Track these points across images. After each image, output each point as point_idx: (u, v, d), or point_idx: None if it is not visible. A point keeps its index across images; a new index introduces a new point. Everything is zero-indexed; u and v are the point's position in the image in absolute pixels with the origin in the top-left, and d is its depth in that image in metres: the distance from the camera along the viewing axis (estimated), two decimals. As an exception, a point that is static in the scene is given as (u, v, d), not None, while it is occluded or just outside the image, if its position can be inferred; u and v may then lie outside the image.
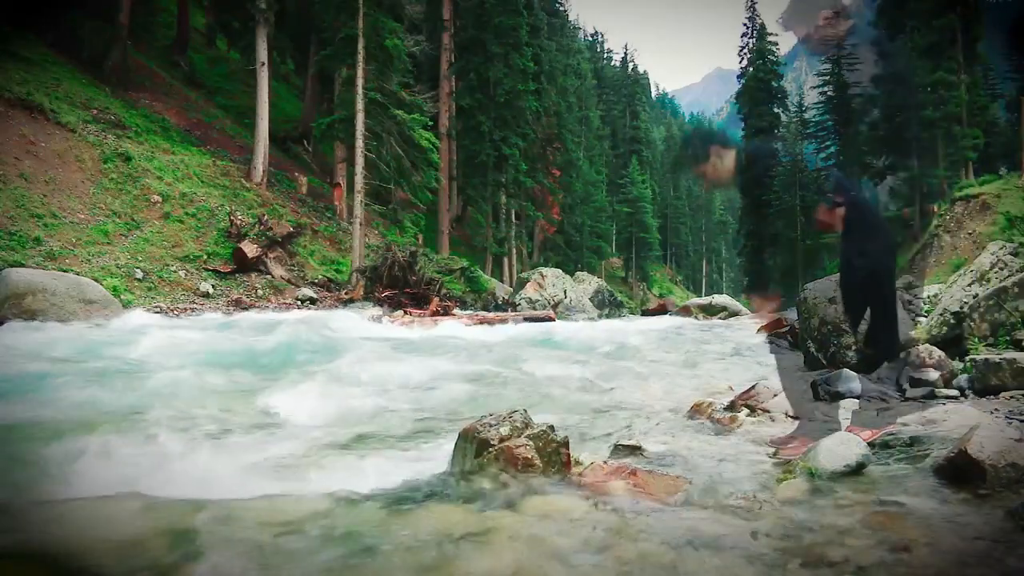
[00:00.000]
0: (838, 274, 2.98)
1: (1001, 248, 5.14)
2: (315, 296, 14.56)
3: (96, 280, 10.32)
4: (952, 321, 4.60)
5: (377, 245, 17.34)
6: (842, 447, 2.13)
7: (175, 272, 13.24)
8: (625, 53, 71.90)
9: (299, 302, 14.00)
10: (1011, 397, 3.16)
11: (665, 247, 66.99)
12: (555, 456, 2.12)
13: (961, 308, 4.59)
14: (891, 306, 2.82)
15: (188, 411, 3.44)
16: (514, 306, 18.53)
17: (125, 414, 3.38)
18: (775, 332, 7.72)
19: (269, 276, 14.76)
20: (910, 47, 33.19)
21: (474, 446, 2.12)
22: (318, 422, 3.45)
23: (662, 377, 5.26)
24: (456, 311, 14.40)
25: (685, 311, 22.19)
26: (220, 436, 3.01)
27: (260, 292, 14.11)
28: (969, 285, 4.88)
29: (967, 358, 3.84)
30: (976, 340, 4.28)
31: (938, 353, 3.94)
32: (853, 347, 4.35)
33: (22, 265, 10.06)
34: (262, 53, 18.88)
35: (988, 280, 4.80)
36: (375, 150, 16.91)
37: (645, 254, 56.37)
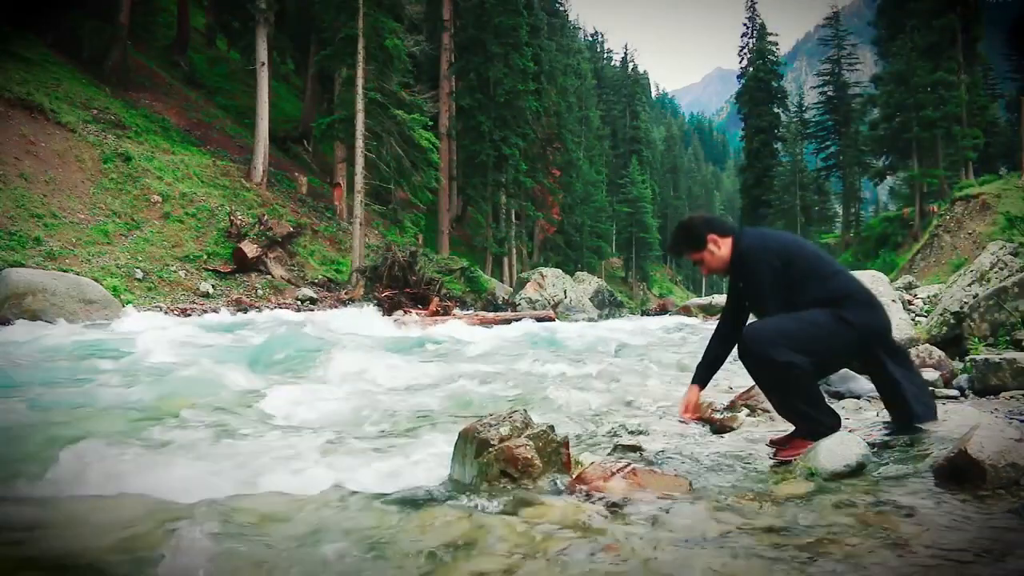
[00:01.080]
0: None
1: (1001, 248, 5.14)
2: (315, 296, 14.57)
3: (96, 280, 10.33)
4: (952, 321, 4.60)
5: (377, 245, 17.36)
6: (842, 447, 2.12)
7: (175, 272, 13.24)
8: (625, 53, 72.00)
9: (299, 302, 14.00)
10: (1011, 397, 3.16)
11: (665, 247, 67.03)
12: (555, 456, 2.11)
13: (961, 308, 4.59)
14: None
15: (187, 410, 3.44)
16: (514, 306, 18.54)
17: (124, 413, 3.38)
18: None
19: (269, 276, 14.77)
20: (910, 47, 33.15)
21: (474, 446, 2.12)
22: (317, 422, 3.45)
23: (662, 377, 5.26)
24: (456, 311, 14.41)
25: (685, 311, 22.24)
26: (219, 435, 3.01)
27: (260, 292, 14.12)
28: (969, 285, 4.88)
29: (967, 358, 3.83)
30: (976, 340, 4.28)
31: (938, 353, 3.94)
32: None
33: (22, 265, 10.07)
34: (262, 53, 18.90)
35: (988, 280, 4.80)
36: (375, 150, 16.93)
37: (645, 254, 56.43)
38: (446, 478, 2.18)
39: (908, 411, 2.40)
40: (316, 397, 4.02)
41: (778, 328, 2.30)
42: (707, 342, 2.69)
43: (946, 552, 1.45)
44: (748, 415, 3.32)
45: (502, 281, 26.77)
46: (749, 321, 2.54)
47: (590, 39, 79.98)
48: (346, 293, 15.17)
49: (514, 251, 32.65)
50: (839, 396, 3.56)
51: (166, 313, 10.78)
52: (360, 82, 16.46)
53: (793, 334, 2.26)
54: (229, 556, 1.49)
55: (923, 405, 2.42)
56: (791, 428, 2.54)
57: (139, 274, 12.45)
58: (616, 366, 6.10)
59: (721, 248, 2.49)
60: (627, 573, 1.42)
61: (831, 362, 2.41)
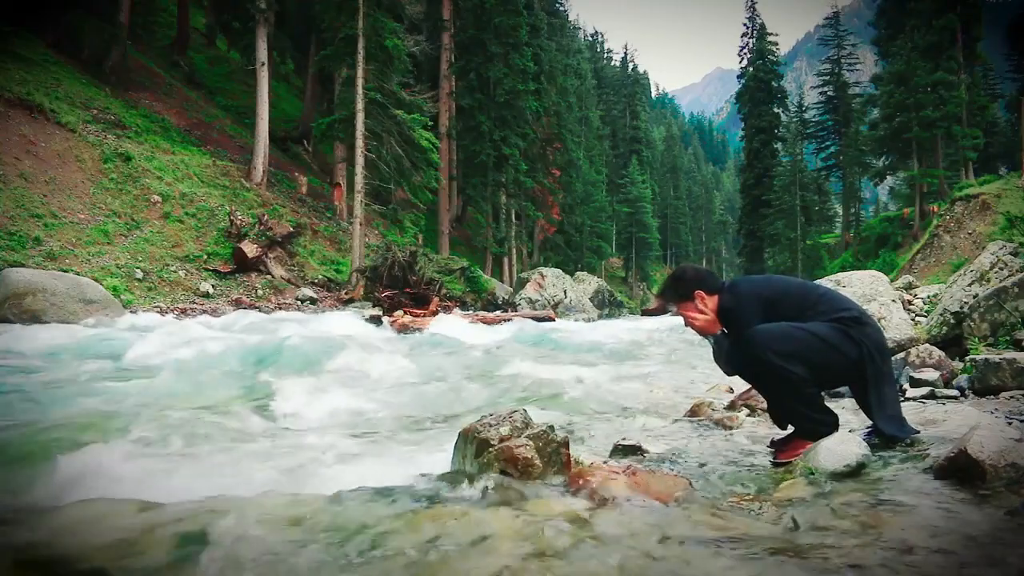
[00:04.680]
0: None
1: (1001, 248, 5.14)
2: (315, 296, 14.57)
3: (96, 280, 10.33)
4: (952, 321, 4.60)
5: (377, 245, 17.35)
6: (842, 447, 2.13)
7: (175, 272, 13.24)
8: (625, 53, 72.00)
9: (299, 302, 14.00)
10: (1011, 397, 3.16)
11: (665, 247, 67.06)
12: (555, 456, 2.11)
13: (961, 308, 4.58)
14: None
15: (188, 411, 3.44)
16: (514, 306, 18.55)
17: (125, 414, 3.38)
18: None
19: (269, 276, 14.77)
20: (910, 47, 33.13)
21: (474, 446, 2.12)
22: (316, 422, 3.45)
23: (662, 377, 5.26)
24: (456, 311, 14.41)
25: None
26: (220, 437, 3.01)
27: (260, 292, 14.11)
28: (969, 285, 4.88)
29: (967, 358, 3.83)
30: (976, 340, 4.28)
31: (938, 353, 3.94)
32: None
33: (22, 265, 10.07)
34: (262, 53, 18.90)
35: (988, 280, 4.80)
36: (375, 150, 16.92)
37: (645, 254, 56.41)
38: (446, 477, 2.18)
39: (878, 431, 2.42)
40: (315, 398, 4.02)
41: (784, 334, 2.30)
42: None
43: (946, 552, 1.45)
44: (748, 415, 3.32)
45: (502, 281, 26.75)
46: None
47: (590, 39, 79.93)
48: (346, 293, 15.17)
49: (514, 251, 32.62)
50: (839, 395, 3.57)
51: (166, 313, 10.78)
52: (360, 82, 16.45)
53: (798, 341, 2.28)
54: (233, 557, 1.49)
55: (892, 425, 2.41)
56: (791, 428, 2.54)
57: (139, 274, 12.45)
58: (615, 366, 6.10)
59: (707, 304, 2.50)
60: (627, 574, 1.42)
61: (829, 377, 2.41)
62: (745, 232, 52.54)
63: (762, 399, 3.32)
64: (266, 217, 15.96)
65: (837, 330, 2.32)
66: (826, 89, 49.56)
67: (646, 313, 27.18)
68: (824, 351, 2.29)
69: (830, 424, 2.36)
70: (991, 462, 1.79)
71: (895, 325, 4.59)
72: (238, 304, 12.80)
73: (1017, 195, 23.17)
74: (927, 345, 4.12)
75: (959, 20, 33.05)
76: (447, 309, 14.46)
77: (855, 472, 2.05)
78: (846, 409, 3.19)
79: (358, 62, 16.51)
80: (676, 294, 2.56)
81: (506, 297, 19.92)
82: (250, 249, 14.50)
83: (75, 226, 12.61)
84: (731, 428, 3.08)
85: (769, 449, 2.58)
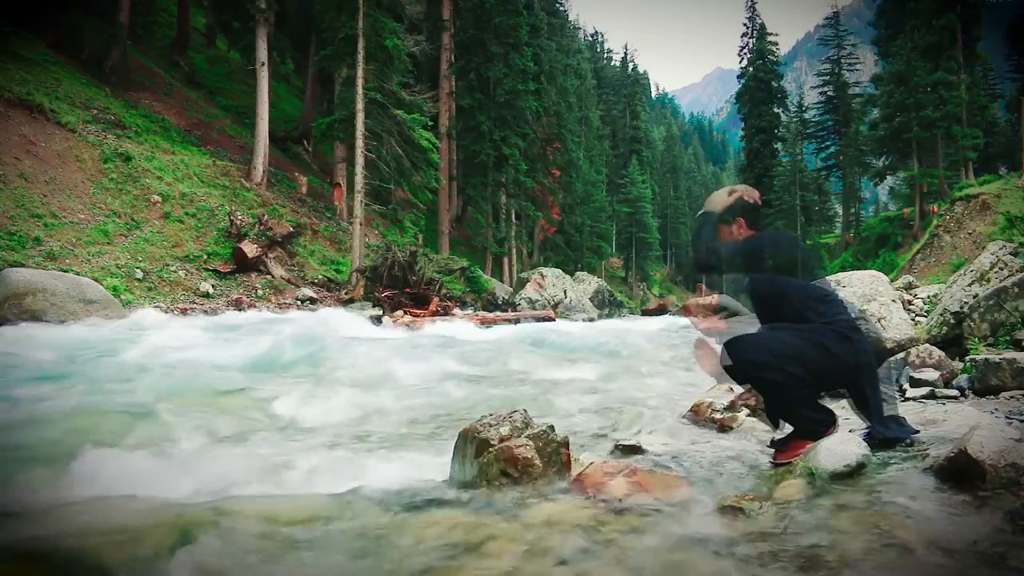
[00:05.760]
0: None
1: (1001, 248, 5.14)
2: (315, 296, 14.57)
3: (96, 280, 10.32)
4: (952, 321, 4.60)
5: (377, 245, 17.34)
6: (842, 447, 2.13)
7: (175, 272, 13.24)
8: (625, 53, 71.92)
9: (299, 302, 14.00)
10: (1011, 397, 3.16)
11: (665, 247, 66.99)
12: (555, 456, 2.12)
13: (961, 308, 4.58)
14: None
15: (187, 412, 3.44)
16: (514, 306, 18.54)
17: (125, 414, 3.38)
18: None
19: (269, 276, 14.76)
20: (910, 47, 33.12)
21: (474, 446, 2.12)
22: (316, 423, 3.45)
23: (662, 376, 5.26)
24: (456, 311, 14.41)
25: (685, 311, 22.17)
26: (219, 437, 3.01)
27: (260, 292, 14.11)
28: (969, 285, 4.88)
29: (967, 358, 3.83)
30: (976, 340, 4.28)
31: (938, 353, 3.94)
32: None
33: (22, 265, 10.06)
34: (262, 53, 18.89)
35: (988, 280, 4.80)
36: (375, 150, 16.91)
37: (645, 254, 56.38)
38: (446, 478, 2.18)
39: (877, 432, 2.42)
40: (316, 398, 4.02)
41: (781, 337, 2.31)
42: None
43: (946, 552, 1.45)
44: (748, 415, 3.32)
45: (502, 281, 26.74)
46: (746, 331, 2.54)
47: (590, 39, 79.86)
48: (346, 293, 15.17)
49: (514, 251, 32.61)
50: (839, 396, 3.56)
51: (166, 313, 10.77)
52: (360, 82, 16.43)
53: (795, 344, 2.28)
54: (236, 557, 1.49)
55: (891, 427, 2.41)
56: (791, 428, 2.54)
57: (139, 274, 12.45)
58: (615, 366, 6.10)
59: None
60: (627, 574, 1.42)
61: (825, 379, 2.41)
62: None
63: (762, 399, 3.32)
64: (266, 217, 15.95)
65: (835, 334, 2.32)
66: (826, 89, 49.54)
67: (646, 313, 27.19)
68: (821, 354, 2.29)
69: (828, 423, 2.37)
70: (991, 462, 1.79)
71: (895, 325, 4.59)
72: (238, 304, 12.80)
73: (1017, 195, 23.17)
74: (927, 345, 4.12)
75: (959, 20, 33.03)
76: (447, 309, 14.46)
77: (855, 472, 2.05)
78: (846, 409, 3.19)
79: (358, 62, 16.50)
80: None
81: (506, 297, 19.92)
82: (250, 249, 14.50)
83: (75, 226, 12.60)
84: (731, 428, 3.08)
85: (769, 449, 2.58)
